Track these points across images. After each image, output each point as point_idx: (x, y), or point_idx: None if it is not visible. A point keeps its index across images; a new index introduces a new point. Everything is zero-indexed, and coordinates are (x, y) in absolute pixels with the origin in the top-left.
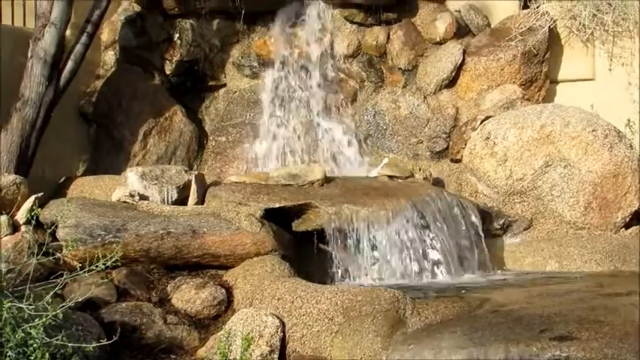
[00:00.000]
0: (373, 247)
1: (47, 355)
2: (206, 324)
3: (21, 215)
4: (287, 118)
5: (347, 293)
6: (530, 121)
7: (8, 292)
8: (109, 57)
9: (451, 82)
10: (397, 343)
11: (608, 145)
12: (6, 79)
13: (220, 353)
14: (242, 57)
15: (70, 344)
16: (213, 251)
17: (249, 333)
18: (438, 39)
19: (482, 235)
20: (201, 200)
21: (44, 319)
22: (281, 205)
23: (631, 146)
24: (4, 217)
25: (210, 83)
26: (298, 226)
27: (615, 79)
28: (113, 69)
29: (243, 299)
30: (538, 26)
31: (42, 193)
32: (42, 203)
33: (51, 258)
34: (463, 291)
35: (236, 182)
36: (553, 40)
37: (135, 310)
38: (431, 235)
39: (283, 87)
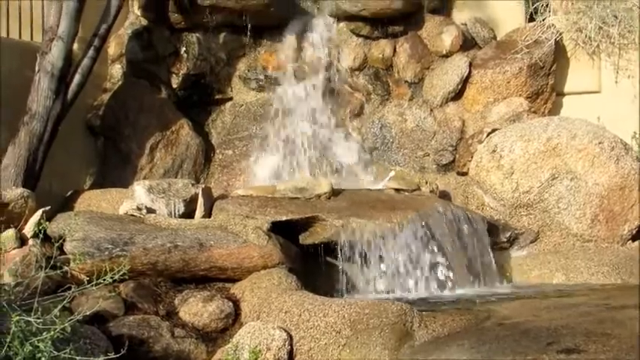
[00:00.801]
0: (380, 260)
1: None
2: (213, 337)
3: (29, 229)
4: (293, 131)
5: (354, 306)
6: (537, 133)
7: (16, 306)
8: (116, 70)
9: (457, 94)
10: (405, 356)
11: (614, 157)
12: (13, 93)
13: None
14: (248, 70)
15: (77, 357)
16: (221, 264)
17: (256, 346)
18: (444, 52)
19: (489, 247)
20: (208, 213)
21: (52, 332)
22: (288, 218)
23: (637, 159)
24: (11, 231)
25: (217, 96)
26: (305, 239)
27: (621, 92)
28: (120, 82)
29: (251, 312)
30: (544, 39)
31: (49, 207)
32: (49, 217)
33: (59, 271)
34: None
35: (243, 195)
36: (559, 52)
37: (142, 323)
38: (438, 248)
39: (289, 100)
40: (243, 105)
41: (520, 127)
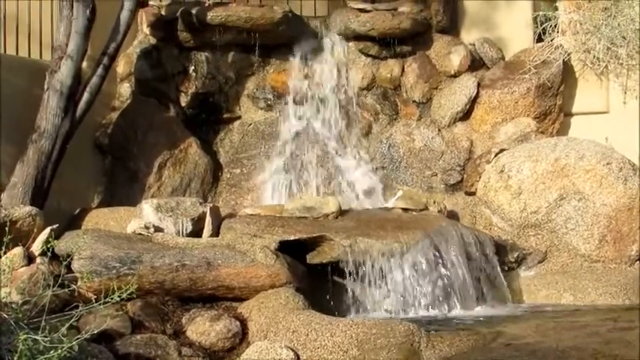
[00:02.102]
0: (388, 280)
1: None
2: (220, 356)
3: (36, 247)
4: (302, 151)
5: (361, 326)
6: (545, 154)
7: (24, 324)
8: (125, 89)
9: (465, 114)
10: None
11: (622, 178)
12: (22, 110)
13: None
14: (257, 89)
15: None
16: (228, 283)
17: None
18: (452, 72)
19: (497, 268)
20: (215, 232)
21: (59, 351)
22: (296, 237)
23: None
24: (19, 249)
25: (225, 115)
26: (313, 258)
27: (629, 112)
28: (129, 101)
29: (258, 332)
30: (552, 59)
31: (57, 225)
32: (57, 235)
33: (66, 290)
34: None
35: (251, 214)
36: (567, 73)
37: (149, 342)
38: (445, 268)
39: (298, 119)
40: (251, 124)
41: (528, 147)
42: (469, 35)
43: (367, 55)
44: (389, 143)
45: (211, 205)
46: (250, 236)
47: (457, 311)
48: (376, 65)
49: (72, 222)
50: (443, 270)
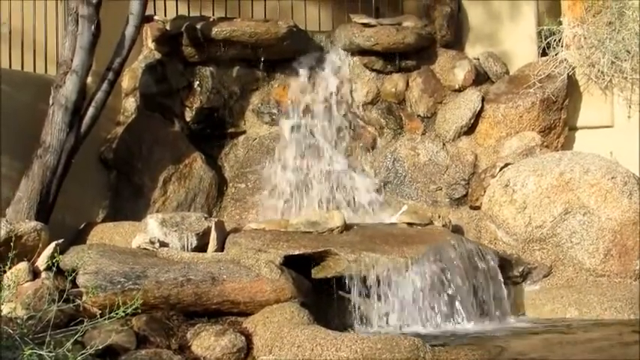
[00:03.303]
0: (393, 295)
1: None
2: None
3: (41, 262)
4: (306, 165)
5: (366, 341)
6: (550, 168)
7: (29, 339)
8: (130, 104)
9: (470, 129)
10: None
11: (627, 192)
12: (27, 125)
13: None
14: (261, 104)
15: None
16: (233, 298)
17: None
18: (456, 86)
19: (502, 282)
20: (220, 247)
21: None
22: (300, 252)
23: None
24: (24, 264)
25: (230, 130)
26: (317, 273)
27: (634, 126)
28: (133, 116)
29: (263, 346)
30: (557, 73)
31: (62, 240)
32: (62, 250)
33: (71, 305)
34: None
35: (255, 229)
36: (572, 87)
37: (154, 357)
38: (450, 283)
39: (302, 134)
40: (256, 138)
41: (533, 161)
42: (473, 50)
43: (372, 69)
44: (393, 157)
45: (216, 219)
46: (255, 251)
47: (462, 326)
48: (381, 80)
49: (77, 237)
50: (448, 284)
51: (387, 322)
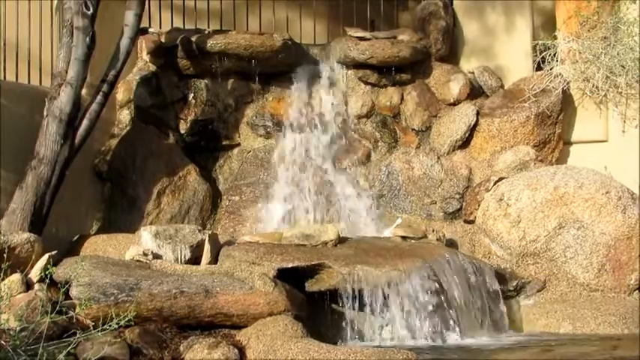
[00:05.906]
0: (386, 308)
1: None
2: None
3: (35, 273)
4: (300, 178)
5: (360, 354)
6: (544, 182)
7: (21, 351)
8: (124, 116)
9: (464, 142)
10: None
11: (621, 207)
12: (21, 137)
13: None
14: (256, 117)
15: None
16: (226, 311)
17: None
18: (451, 100)
19: (496, 296)
20: (214, 259)
21: None
22: (294, 265)
23: None
24: (17, 275)
25: (225, 142)
26: (311, 286)
27: (628, 141)
28: (128, 128)
29: (256, 359)
30: (551, 88)
31: (56, 251)
32: (56, 261)
33: (64, 316)
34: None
35: (249, 242)
36: (566, 101)
37: None
38: (444, 297)
39: (297, 147)
40: (250, 151)
41: (527, 175)
42: (468, 64)
43: (367, 82)
44: (388, 171)
45: (210, 232)
46: (249, 264)
47: (456, 339)
48: (375, 93)
49: (70, 248)
50: (442, 298)
51: (380, 336)
